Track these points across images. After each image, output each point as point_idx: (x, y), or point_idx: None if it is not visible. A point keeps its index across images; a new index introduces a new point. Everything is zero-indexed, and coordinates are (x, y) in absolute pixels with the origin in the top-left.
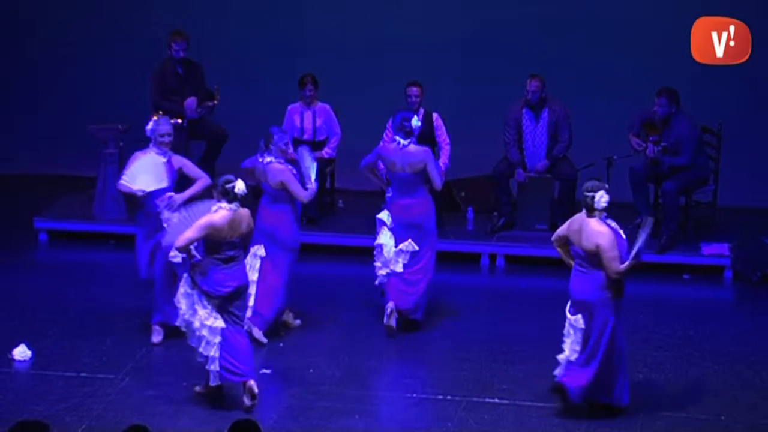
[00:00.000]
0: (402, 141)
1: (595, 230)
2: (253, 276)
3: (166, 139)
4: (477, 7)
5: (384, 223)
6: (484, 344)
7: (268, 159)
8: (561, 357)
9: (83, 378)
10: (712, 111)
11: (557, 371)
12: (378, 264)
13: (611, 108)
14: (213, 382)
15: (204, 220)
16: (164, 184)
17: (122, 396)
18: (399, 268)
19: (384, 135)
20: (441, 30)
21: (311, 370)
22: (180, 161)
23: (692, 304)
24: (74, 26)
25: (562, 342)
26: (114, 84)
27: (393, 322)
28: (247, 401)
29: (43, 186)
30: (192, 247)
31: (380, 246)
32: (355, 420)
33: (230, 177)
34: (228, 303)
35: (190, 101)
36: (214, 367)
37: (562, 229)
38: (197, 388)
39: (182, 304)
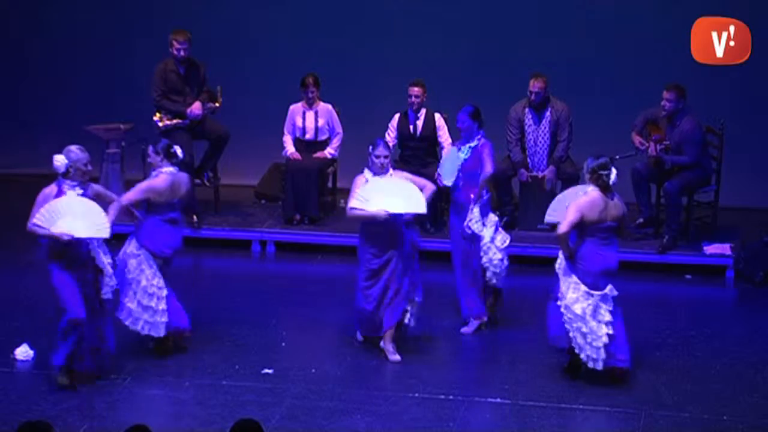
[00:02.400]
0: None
1: (619, 202)
2: None
3: (89, 167)
4: (478, 7)
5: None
6: (485, 344)
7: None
8: (599, 344)
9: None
10: (713, 111)
11: (599, 364)
12: None
13: (612, 108)
14: (162, 334)
15: (145, 183)
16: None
17: (124, 396)
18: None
19: (386, 135)
20: (443, 30)
21: (313, 370)
22: (95, 189)
23: (694, 304)
24: (75, 26)
25: (584, 331)
26: (115, 84)
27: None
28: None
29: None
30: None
31: None
32: (357, 420)
33: (171, 142)
34: (167, 265)
35: (196, 107)
36: (164, 318)
37: (575, 218)
38: (151, 345)
39: (130, 264)
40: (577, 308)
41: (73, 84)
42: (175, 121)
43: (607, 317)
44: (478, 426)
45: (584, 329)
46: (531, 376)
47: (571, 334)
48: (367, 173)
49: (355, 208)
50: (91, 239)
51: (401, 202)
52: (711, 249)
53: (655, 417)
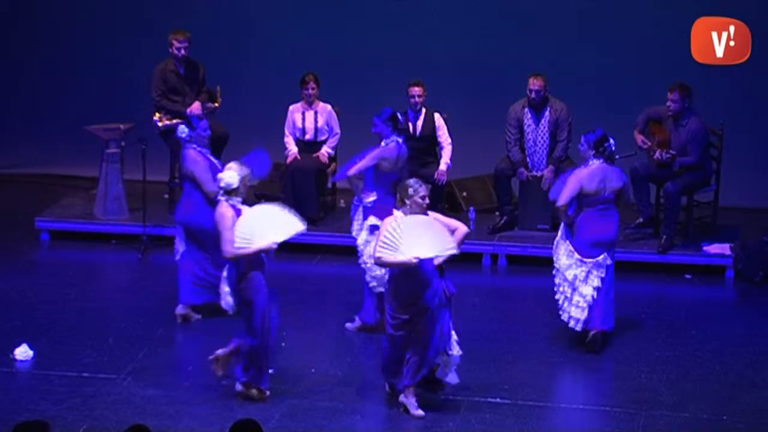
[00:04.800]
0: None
1: (621, 174)
2: None
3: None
4: (479, 6)
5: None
6: (485, 344)
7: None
8: (583, 304)
9: (85, 378)
10: (713, 111)
11: (579, 325)
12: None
13: (612, 108)
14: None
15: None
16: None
17: (123, 396)
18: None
19: None
20: (443, 29)
21: (313, 370)
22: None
23: (694, 304)
24: (75, 26)
25: (570, 294)
26: (115, 84)
27: None
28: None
29: (44, 186)
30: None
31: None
32: (357, 420)
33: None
34: None
35: (195, 107)
36: None
37: (574, 189)
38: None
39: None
40: (570, 274)
41: (73, 84)
42: (174, 121)
43: (596, 282)
44: (477, 426)
45: (568, 294)
46: (531, 376)
47: (556, 297)
48: (399, 216)
49: (384, 256)
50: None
51: (432, 245)
52: (711, 249)
53: (655, 417)
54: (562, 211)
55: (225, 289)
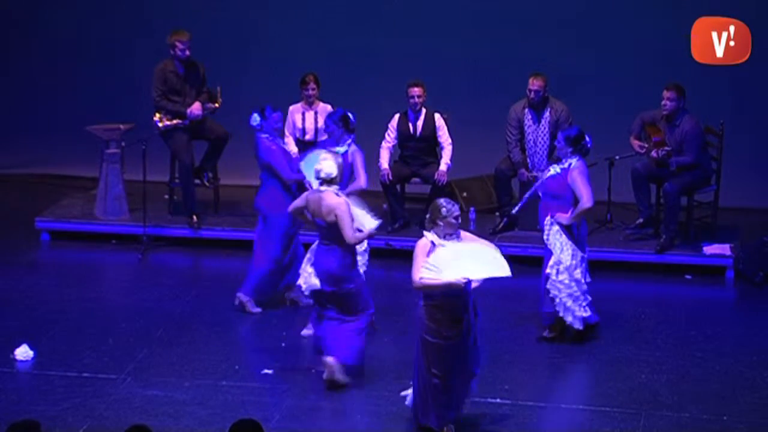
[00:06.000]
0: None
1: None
2: None
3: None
4: (478, 6)
5: None
6: (485, 344)
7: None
8: (581, 311)
9: (85, 378)
10: (713, 111)
11: (581, 324)
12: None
13: (612, 108)
14: None
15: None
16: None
17: (124, 396)
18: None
19: (386, 135)
20: (443, 29)
21: (313, 370)
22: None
23: (694, 305)
24: (75, 26)
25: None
26: (115, 84)
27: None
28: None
29: (44, 186)
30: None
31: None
32: (357, 420)
33: None
34: None
35: (195, 107)
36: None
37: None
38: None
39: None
40: (577, 273)
41: (73, 84)
42: (175, 121)
43: (584, 277)
44: (478, 426)
45: (576, 294)
46: (531, 376)
47: (557, 300)
48: (432, 237)
49: (426, 278)
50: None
51: (481, 266)
52: (711, 249)
53: (655, 417)
54: (590, 210)
55: (308, 270)
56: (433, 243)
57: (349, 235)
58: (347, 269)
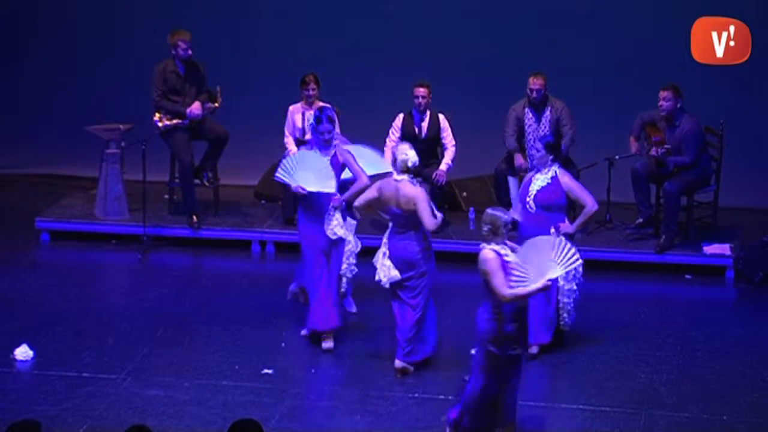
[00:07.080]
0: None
1: None
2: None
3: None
4: (479, 6)
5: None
6: None
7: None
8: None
9: (85, 378)
10: (713, 111)
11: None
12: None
13: (612, 108)
14: None
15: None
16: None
17: (124, 396)
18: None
19: (390, 134)
20: (443, 29)
21: (313, 370)
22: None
23: (694, 304)
24: (75, 26)
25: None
26: (115, 84)
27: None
28: None
29: (44, 186)
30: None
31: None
32: (357, 420)
33: None
34: None
35: (195, 107)
36: None
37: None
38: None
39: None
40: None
41: (73, 84)
42: (174, 121)
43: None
44: None
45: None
46: (531, 376)
47: (569, 308)
48: (496, 248)
49: (519, 291)
50: None
51: (552, 264)
52: (711, 249)
53: (655, 417)
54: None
55: (386, 263)
56: (497, 253)
57: (429, 222)
58: (425, 252)
